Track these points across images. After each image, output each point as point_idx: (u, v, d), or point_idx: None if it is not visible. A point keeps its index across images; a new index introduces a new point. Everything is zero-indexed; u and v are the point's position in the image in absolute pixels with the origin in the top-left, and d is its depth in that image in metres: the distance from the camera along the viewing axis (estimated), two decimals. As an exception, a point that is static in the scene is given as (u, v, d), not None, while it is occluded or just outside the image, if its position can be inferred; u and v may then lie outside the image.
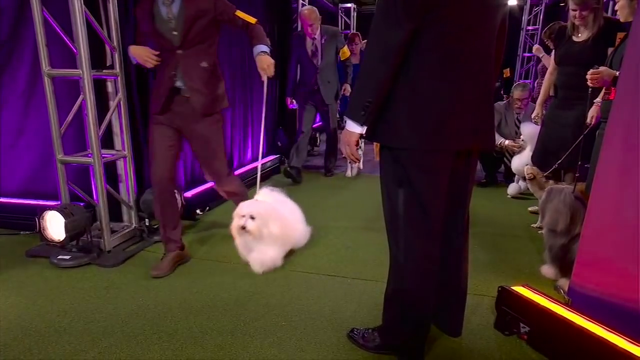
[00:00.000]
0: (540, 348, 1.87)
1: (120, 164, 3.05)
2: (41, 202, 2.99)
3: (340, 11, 8.31)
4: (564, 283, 2.30)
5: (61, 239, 2.58)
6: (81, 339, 1.94)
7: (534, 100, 3.93)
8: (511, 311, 1.97)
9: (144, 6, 2.34)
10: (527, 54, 7.96)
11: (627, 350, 1.57)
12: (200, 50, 2.37)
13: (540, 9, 7.75)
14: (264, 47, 2.42)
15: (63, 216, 2.55)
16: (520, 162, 3.91)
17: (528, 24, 7.91)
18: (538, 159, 3.36)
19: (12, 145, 3.10)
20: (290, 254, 2.75)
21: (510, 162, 4.22)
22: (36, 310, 2.16)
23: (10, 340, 1.92)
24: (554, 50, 3.35)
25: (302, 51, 4.48)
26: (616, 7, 2.71)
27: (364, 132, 1.56)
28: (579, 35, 3.01)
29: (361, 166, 4.99)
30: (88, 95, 2.56)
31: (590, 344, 1.66)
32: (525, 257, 2.84)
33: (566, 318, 1.78)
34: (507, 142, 4.22)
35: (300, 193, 4.29)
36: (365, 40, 5.06)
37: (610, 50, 2.71)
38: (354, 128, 1.55)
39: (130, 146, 2.95)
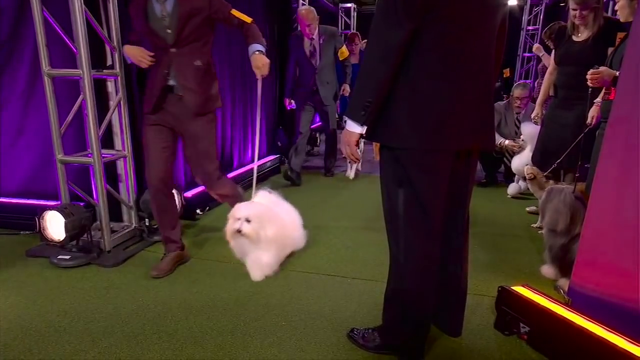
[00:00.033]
0: (540, 348, 1.87)
1: (120, 164, 3.05)
2: (41, 202, 2.99)
3: (340, 11, 8.32)
4: (564, 283, 2.30)
5: (61, 239, 2.58)
6: (81, 339, 1.94)
7: (534, 101, 3.94)
8: (511, 311, 1.97)
9: (137, 3, 2.31)
10: (527, 54, 7.97)
11: (627, 350, 1.57)
12: (194, 49, 2.34)
13: (541, 9, 7.76)
14: (260, 47, 2.38)
15: (63, 216, 2.55)
16: (520, 162, 3.91)
17: (528, 24, 7.92)
18: (538, 159, 3.36)
19: (12, 145, 3.10)
20: (290, 254, 2.75)
21: (510, 162, 4.22)
22: (36, 310, 2.16)
23: (10, 340, 1.92)
24: (553, 50, 3.35)
25: (300, 52, 4.43)
26: (616, 7, 2.71)
27: (364, 132, 1.56)
28: (579, 35, 3.01)
29: (360, 168, 4.98)
30: (88, 95, 2.56)
31: (590, 344, 1.66)
32: (525, 257, 2.84)
33: (566, 318, 1.78)
34: (507, 142, 4.22)
35: (300, 193, 4.30)
36: (365, 40, 5.08)
37: (610, 50, 2.71)
38: (354, 128, 1.55)
39: (130, 146, 2.95)
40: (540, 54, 5.27)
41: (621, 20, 2.72)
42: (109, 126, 2.91)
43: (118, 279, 2.48)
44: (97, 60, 2.75)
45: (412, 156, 1.55)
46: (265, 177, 4.86)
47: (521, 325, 1.92)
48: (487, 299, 2.26)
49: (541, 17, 7.69)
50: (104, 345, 1.89)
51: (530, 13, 7.88)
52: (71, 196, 2.82)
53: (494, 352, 1.89)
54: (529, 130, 3.82)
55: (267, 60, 2.36)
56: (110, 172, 2.99)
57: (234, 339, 1.96)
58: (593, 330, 1.69)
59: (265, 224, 2.44)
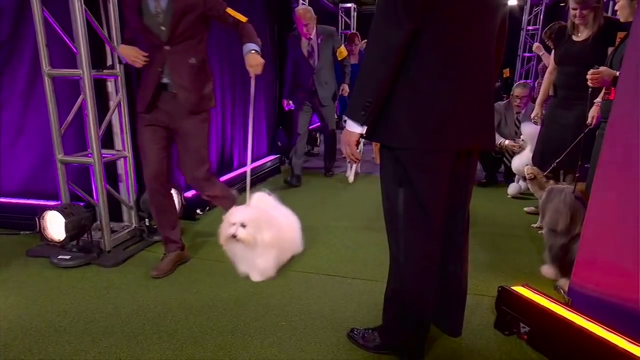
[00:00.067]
0: (540, 348, 1.87)
1: (120, 164, 3.05)
2: (41, 202, 2.99)
3: (340, 11, 8.32)
4: (564, 283, 2.30)
5: (61, 239, 2.58)
6: (81, 339, 1.94)
7: (534, 100, 3.94)
8: (511, 311, 1.97)
9: (132, 0, 2.28)
10: (527, 54, 7.97)
11: (627, 350, 1.57)
12: (188, 47, 2.31)
13: (541, 9, 7.76)
14: (254, 46, 2.34)
15: (63, 216, 2.55)
16: (520, 162, 3.91)
17: (528, 24, 7.92)
18: (538, 159, 3.36)
19: (12, 145, 3.10)
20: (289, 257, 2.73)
21: (510, 162, 4.22)
22: (36, 310, 2.16)
23: (11, 340, 1.92)
24: (553, 50, 3.35)
25: (297, 52, 4.38)
26: (616, 7, 2.71)
27: (364, 132, 1.56)
28: (579, 34, 3.01)
29: (359, 170, 4.96)
30: (88, 95, 2.56)
31: (590, 344, 1.66)
32: (525, 257, 2.84)
33: (566, 318, 1.78)
34: (507, 142, 4.22)
35: (300, 193, 4.31)
36: (365, 41, 5.07)
37: (610, 49, 2.71)
38: (354, 128, 1.55)
39: (131, 146, 2.94)
40: (540, 53, 5.27)
41: (621, 20, 2.72)
42: (109, 126, 2.91)
43: (118, 279, 2.48)
44: (97, 60, 2.75)
45: (412, 156, 1.55)
46: (265, 177, 4.86)
47: (521, 325, 1.92)
48: (487, 299, 2.26)
49: (541, 17, 7.69)
50: (104, 345, 1.89)
51: (530, 13, 7.88)
52: (71, 196, 2.82)
53: (494, 352, 1.89)
54: (529, 130, 3.82)
55: (262, 60, 2.33)
56: (111, 172, 2.99)
57: (234, 339, 1.96)
58: (593, 330, 1.69)
59: (262, 229, 2.37)
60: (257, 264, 2.43)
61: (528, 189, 3.52)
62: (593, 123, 2.71)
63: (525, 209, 3.77)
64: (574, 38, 3.02)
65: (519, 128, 4.23)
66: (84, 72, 2.53)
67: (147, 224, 3.03)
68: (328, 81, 4.47)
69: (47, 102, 2.64)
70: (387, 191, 1.66)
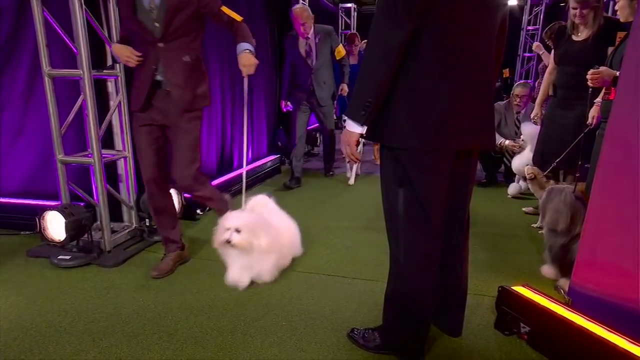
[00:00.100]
0: (540, 348, 1.87)
1: (120, 164, 3.05)
2: (41, 202, 2.99)
3: (340, 11, 8.33)
4: (564, 283, 2.30)
5: (61, 239, 2.58)
6: (82, 339, 1.94)
7: (534, 100, 3.94)
8: (511, 311, 1.97)
9: None
10: (527, 54, 7.98)
11: (627, 350, 1.57)
12: (182, 44, 2.29)
13: (541, 9, 7.76)
14: (248, 46, 2.32)
15: (63, 216, 2.55)
16: (520, 162, 3.91)
17: (528, 24, 7.93)
18: (538, 159, 3.36)
19: (12, 145, 3.10)
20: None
21: (510, 162, 4.22)
22: (36, 310, 2.16)
23: (11, 340, 1.92)
24: (553, 50, 3.35)
25: (295, 52, 4.33)
26: (616, 7, 2.71)
27: (364, 132, 1.56)
28: (579, 34, 3.01)
29: (359, 171, 4.96)
30: (88, 95, 2.57)
31: (590, 344, 1.66)
32: (525, 257, 2.84)
33: (566, 318, 1.78)
34: (507, 142, 4.22)
35: (301, 193, 4.31)
36: (364, 41, 5.07)
37: (610, 49, 2.71)
38: (354, 128, 1.55)
39: (131, 146, 2.94)
40: (541, 52, 5.27)
41: (621, 20, 2.72)
42: (109, 126, 2.91)
43: (118, 279, 2.48)
44: (97, 60, 2.75)
45: (412, 156, 1.55)
46: (265, 178, 4.86)
47: (521, 325, 1.92)
48: (487, 299, 2.26)
49: (541, 17, 7.70)
50: (105, 345, 1.90)
51: (530, 13, 7.89)
52: (71, 196, 2.82)
53: (494, 352, 1.89)
54: (529, 130, 3.82)
55: (255, 61, 2.31)
56: (111, 172, 2.99)
57: (234, 339, 1.96)
58: (593, 330, 1.69)
59: (259, 234, 2.31)
60: (257, 269, 2.39)
61: (528, 189, 3.52)
62: (593, 123, 2.71)
63: (524, 209, 3.77)
64: (574, 38, 3.02)
65: (519, 128, 4.23)
66: (84, 72, 2.53)
67: (148, 224, 3.03)
68: (326, 81, 4.43)
69: (47, 102, 2.64)
70: (387, 191, 1.66)
